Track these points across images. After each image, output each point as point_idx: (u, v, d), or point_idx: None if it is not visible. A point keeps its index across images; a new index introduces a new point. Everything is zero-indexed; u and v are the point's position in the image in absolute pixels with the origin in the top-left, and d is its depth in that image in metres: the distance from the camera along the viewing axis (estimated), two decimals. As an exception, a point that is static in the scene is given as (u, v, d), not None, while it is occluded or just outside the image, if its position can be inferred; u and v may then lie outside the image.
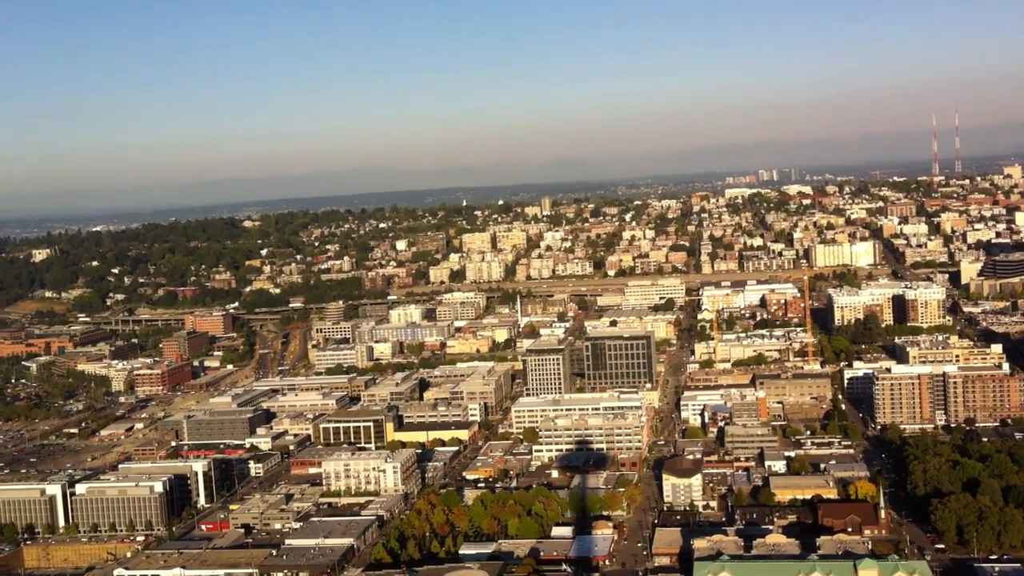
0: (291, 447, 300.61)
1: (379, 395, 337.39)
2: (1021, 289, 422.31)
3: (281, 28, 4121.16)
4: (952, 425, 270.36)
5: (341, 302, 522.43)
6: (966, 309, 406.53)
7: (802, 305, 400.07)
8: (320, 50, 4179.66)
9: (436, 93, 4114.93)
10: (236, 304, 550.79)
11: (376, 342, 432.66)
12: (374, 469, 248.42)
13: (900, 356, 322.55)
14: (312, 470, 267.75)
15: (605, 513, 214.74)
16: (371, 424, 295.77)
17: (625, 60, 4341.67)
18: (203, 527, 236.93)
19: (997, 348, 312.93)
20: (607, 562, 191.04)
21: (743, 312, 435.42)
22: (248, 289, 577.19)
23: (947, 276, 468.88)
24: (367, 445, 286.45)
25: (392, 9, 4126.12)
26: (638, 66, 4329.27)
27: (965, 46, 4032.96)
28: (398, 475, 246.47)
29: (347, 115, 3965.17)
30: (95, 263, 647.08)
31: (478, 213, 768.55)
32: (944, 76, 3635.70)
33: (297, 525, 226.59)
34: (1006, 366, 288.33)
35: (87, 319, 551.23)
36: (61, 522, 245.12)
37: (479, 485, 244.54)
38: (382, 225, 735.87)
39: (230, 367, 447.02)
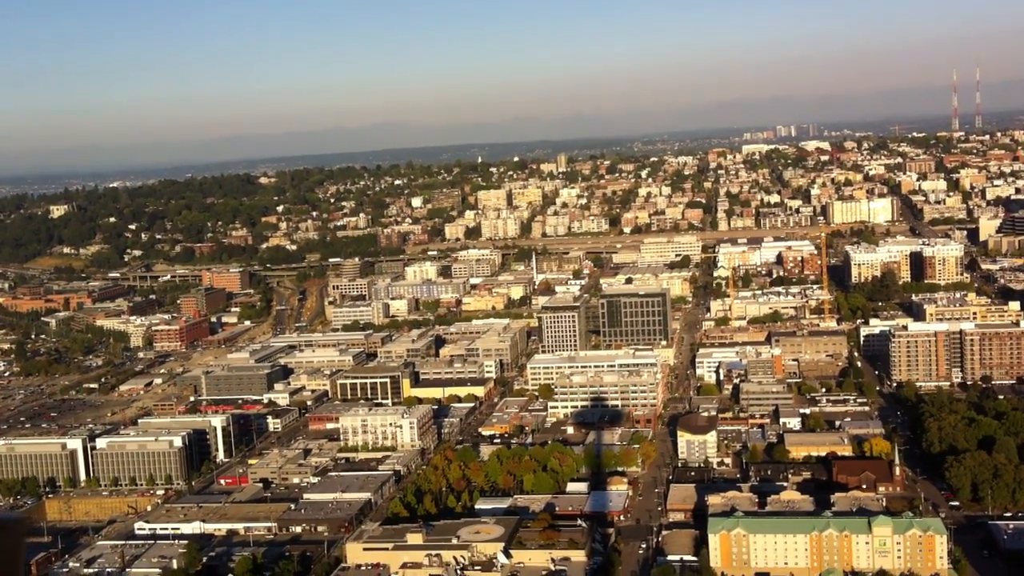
0: (308, 403, 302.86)
1: (395, 352, 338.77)
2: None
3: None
4: (968, 383, 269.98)
5: (357, 259, 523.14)
6: (984, 266, 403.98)
7: (819, 262, 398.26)
8: (337, 6, 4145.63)
9: (452, 50, 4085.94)
10: (254, 262, 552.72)
11: (392, 299, 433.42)
12: (391, 425, 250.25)
13: (917, 313, 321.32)
14: (329, 425, 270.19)
15: (620, 469, 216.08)
16: (388, 380, 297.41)
17: (642, 16, 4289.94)
18: (222, 481, 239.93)
19: (1015, 305, 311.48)
20: (622, 517, 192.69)
21: (759, 269, 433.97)
22: (264, 246, 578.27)
23: (965, 233, 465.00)
24: (384, 401, 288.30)
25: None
26: (655, 22, 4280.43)
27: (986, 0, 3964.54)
28: (415, 431, 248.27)
29: (364, 72, 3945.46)
30: (113, 219, 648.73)
31: (493, 170, 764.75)
32: (965, 30, 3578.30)
33: (315, 480, 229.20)
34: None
35: (105, 275, 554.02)
36: (82, 476, 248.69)
37: (495, 441, 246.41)
38: (398, 182, 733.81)
39: (247, 323, 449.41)
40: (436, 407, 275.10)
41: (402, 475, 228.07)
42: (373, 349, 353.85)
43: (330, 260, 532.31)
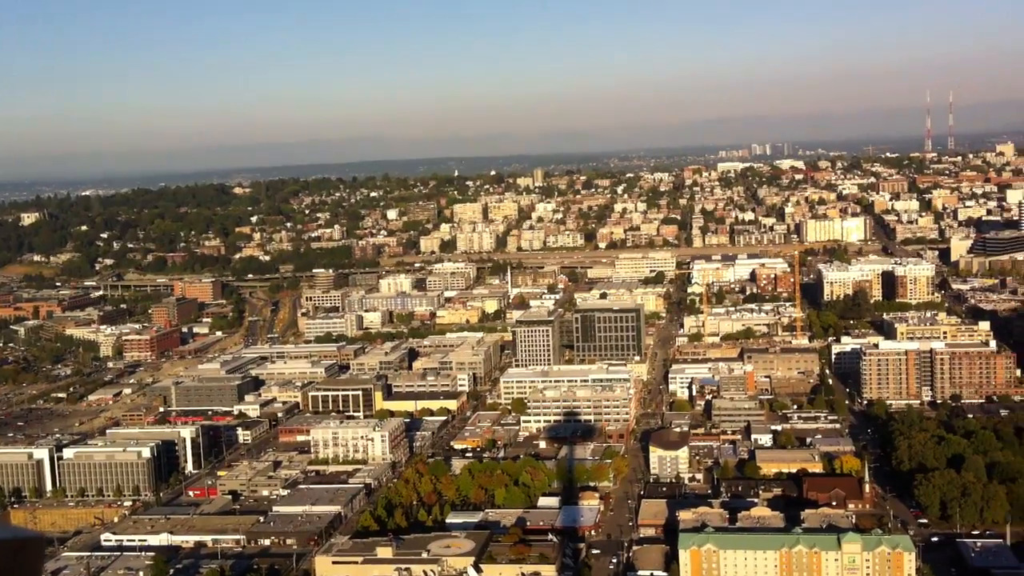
0: (279, 414, 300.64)
1: (368, 364, 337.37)
2: (1010, 267, 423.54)
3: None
4: (938, 401, 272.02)
5: (331, 270, 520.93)
6: (955, 286, 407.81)
7: (792, 280, 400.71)
8: (314, 18, 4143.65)
9: (430, 63, 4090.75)
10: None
11: (366, 311, 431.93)
12: (362, 437, 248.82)
13: (888, 332, 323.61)
14: (300, 438, 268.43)
15: (592, 484, 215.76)
16: (360, 393, 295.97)
17: (620, 33, 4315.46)
18: (190, 493, 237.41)
19: (985, 325, 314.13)
20: (593, 532, 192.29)
21: (733, 286, 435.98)
22: (238, 256, 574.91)
23: (937, 253, 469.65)
24: (355, 413, 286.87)
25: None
26: (633, 39, 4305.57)
27: (960, 24, 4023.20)
28: (386, 444, 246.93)
29: (341, 83, 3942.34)
30: (84, 227, 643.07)
31: (470, 183, 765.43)
32: (939, 53, 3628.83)
33: (284, 492, 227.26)
34: (993, 343, 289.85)
35: (77, 284, 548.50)
36: (48, 486, 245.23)
37: (467, 455, 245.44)
38: (373, 194, 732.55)
39: (219, 334, 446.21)
40: (408, 420, 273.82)
41: (373, 488, 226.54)
42: (345, 361, 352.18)
43: (304, 272, 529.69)
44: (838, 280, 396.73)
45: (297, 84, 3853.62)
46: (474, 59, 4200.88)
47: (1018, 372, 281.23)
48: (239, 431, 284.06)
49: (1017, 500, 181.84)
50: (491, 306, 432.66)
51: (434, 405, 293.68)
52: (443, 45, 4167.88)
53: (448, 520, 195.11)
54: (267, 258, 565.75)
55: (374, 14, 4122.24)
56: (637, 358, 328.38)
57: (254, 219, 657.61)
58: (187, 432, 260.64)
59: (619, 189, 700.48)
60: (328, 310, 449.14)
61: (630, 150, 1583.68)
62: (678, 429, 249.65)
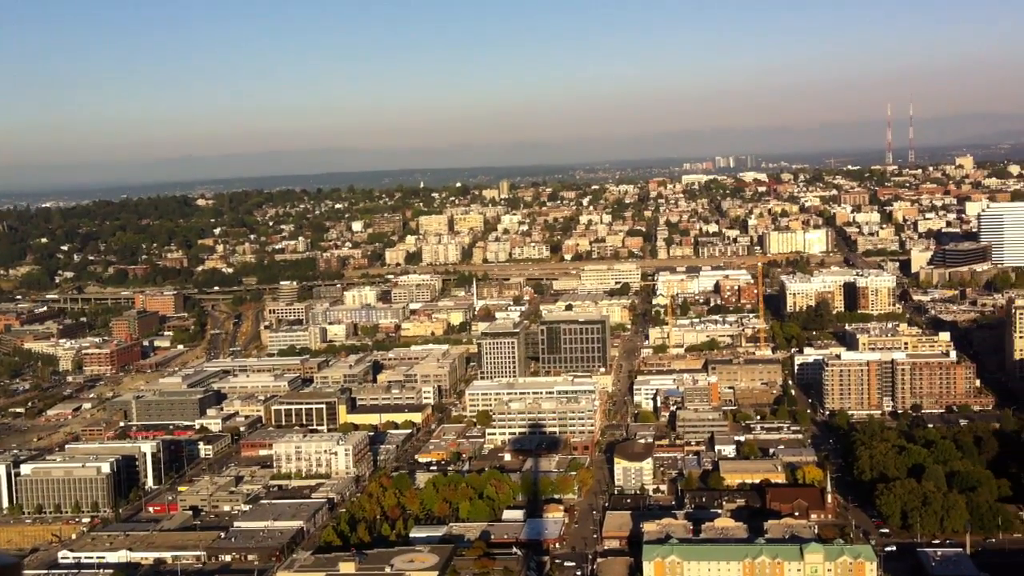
0: (242, 429, 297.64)
1: (332, 377, 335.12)
2: (970, 278, 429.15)
3: (239, 6, 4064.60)
4: (899, 411, 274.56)
5: (295, 283, 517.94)
6: (916, 297, 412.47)
7: (755, 291, 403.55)
8: (278, 29, 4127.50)
9: (395, 74, 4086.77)
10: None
11: (330, 324, 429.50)
12: (325, 452, 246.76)
13: (850, 343, 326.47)
14: (263, 452, 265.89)
15: (556, 496, 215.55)
16: (323, 406, 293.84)
17: (585, 46, 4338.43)
18: (151, 509, 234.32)
19: (945, 336, 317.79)
20: (557, 545, 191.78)
21: (697, 297, 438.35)
22: (200, 268, 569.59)
23: (898, 264, 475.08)
24: (319, 427, 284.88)
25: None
26: (598, 52, 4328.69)
27: (921, 38, 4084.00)
28: (349, 458, 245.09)
29: (306, 95, 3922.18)
30: (44, 240, 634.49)
31: (435, 195, 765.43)
32: (900, 67, 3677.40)
33: (246, 507, 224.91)
34: (953, 354, 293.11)
35: (37, 296, 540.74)
36: (5, 503, 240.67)
37: (431, 468, 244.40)
38: (338, 206, 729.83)
39: (181, 347, 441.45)
40: (372, 433, 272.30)
41: (336, 503, 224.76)
42: (309, 374, 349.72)
43: (268, 284, 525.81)
44: (801, 291, 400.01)
45: (261, 95, 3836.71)
46: (440, 71, 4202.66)
47: (977, 382, 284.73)
48: (200, 446, 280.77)
49: (976, 509, 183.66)
50: (456, 318, 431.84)
51: (399, 418, 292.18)
52: (408, 57, 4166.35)
53: (412, 534, 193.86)
54: (230, 270, 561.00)
55: (335, 27, 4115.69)
56: (602, 370, 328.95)
57: (217, 231, 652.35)
58: (147, 447, 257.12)
59: (585, 201, 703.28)
60: (292, 323, 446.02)
61: (596, 162, 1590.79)
62: (643, 440, 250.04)
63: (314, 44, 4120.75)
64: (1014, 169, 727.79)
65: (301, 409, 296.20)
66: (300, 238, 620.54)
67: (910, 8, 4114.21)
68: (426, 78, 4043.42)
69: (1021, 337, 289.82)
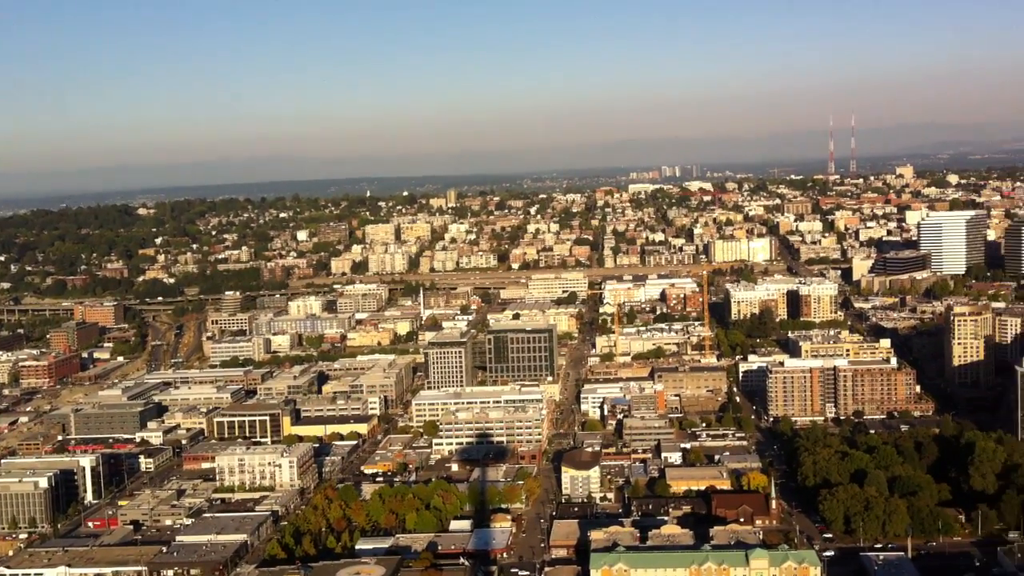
0: (184, 441, 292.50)
1: (276, 388, 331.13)
2: (909, 286, 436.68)
3: (186, 12, 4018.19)
4: (841, 417, 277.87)
5: (238, 293, 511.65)
6: (857, 305, 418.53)
7: (701, 299, 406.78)
8: (222, 36, 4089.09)
9: (341, 83, 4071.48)
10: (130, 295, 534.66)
11: (274, 334, 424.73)
12: (269, 464, 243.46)
13: (793, 350, 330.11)
14: (205, 465, 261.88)
15: (504, 506, 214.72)
16: (267, 418, 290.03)
17: (532, 56, 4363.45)
18: (90, 524, 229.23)
19: (886, 343, 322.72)
20: (505, 555, 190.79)
21: (644, 306, 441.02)
22: (141, 279, 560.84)
23: (839, 272, 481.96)
24: (263, 439, 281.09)
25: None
26: (545, 62, 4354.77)
27: (863, 50, 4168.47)
28: (294, 470, 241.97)
29: (249, 102, 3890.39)
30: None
31: (382, 204, 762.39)
32: (842, 79, 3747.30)
33: (188, 521, 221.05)
34: (894, 360, 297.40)
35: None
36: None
37: (377, 479, 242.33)
38: (283, 215, 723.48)
39: (121, 359, 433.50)
40: (317, 445, 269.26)
41: (280, 516, 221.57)
42: (252, 386, 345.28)
43: (210, 294, 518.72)
44: (745, 299, 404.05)
45: (205, 103, 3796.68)
46: (387, 80, 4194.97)
47: (917, 388, 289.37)
48: (141, 459, 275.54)
49: (917, 513, 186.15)
50: (403, 328, 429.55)
51: (344, 429, 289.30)
52: (352, 66, 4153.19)
53: (358, 546, 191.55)
54: (172, 281, 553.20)
55: (279, 36, 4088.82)
56: (550, 378, 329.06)
57: (159, 241, 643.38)
58: (86, 461, 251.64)
59: (532, 210, 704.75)
60: (235, 334, 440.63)
61: (543, 171, 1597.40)
62: (590, 449, 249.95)
63: (258, 53, 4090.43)
64: (952, 179, 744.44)
65: (244, 421, 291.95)
66: (244, 248, 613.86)
67: (853, 22, 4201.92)
68: (373, 87, 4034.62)
69: (959, 344, 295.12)
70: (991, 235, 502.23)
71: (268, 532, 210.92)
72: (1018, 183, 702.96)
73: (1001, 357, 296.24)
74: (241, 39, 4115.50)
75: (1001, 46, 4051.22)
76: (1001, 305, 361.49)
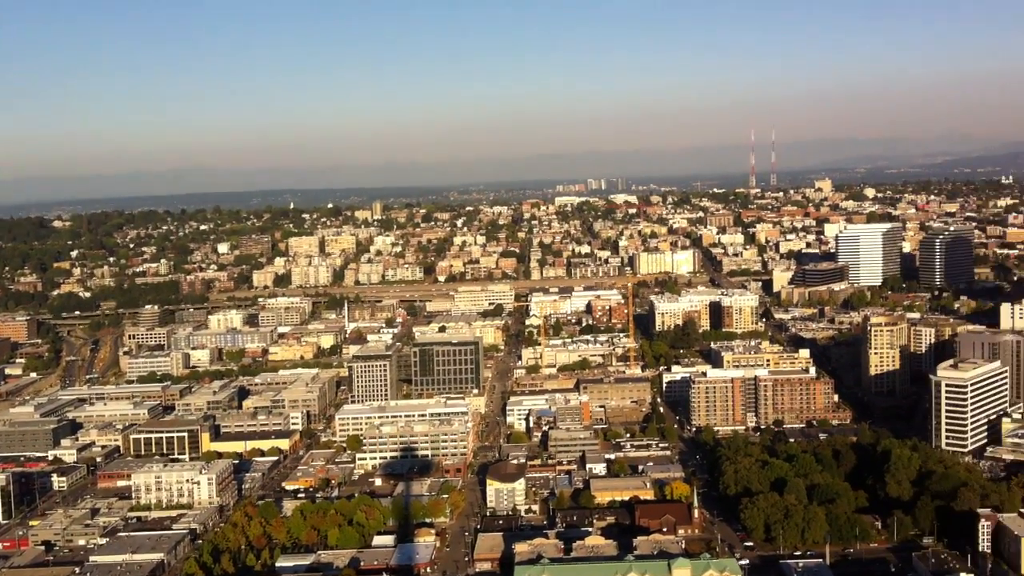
0: (98, 459, 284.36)
1: (195, 404, 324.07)
2: (828, 297, 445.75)
3: (100, 23, 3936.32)
4: (762, 427, 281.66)
5: (156, 307, 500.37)
6: (777, 316, 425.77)
7: (626, 311, 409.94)
8: (134, 48, 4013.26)
9: (262, 92, 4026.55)
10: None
11: (193, 349, 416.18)
12: (187, 481, 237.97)
13: (715, 360, 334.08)
14: (121, 483, 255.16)
15: (428, 520, 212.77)
16: (185, 434, 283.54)
17: (458, 67, 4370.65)
18: (0, 545, 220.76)
19: (805, 353, 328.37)
20: (429, 569, 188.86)
21: (570, 318, 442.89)
22: (56, 293, 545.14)
23: (760, 284, 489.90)
24: (181, 456, 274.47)
25: (220, 9, 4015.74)
26: (471, 74, 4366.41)
27: (783, 66, 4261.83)
28: (213, 487, 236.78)
29: (168, 113, 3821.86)
30: None
31: (306, 216, 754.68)
32: (763, 94, 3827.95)
33: (103, 541, 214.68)
34: (813, 370, 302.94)
35: None
36: None
37: (299, 495, 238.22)
38: (203, 227, 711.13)
39: (33, 375, 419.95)
40: (237, 461, 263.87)
41: (199, 534, 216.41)
42: (171, 402, 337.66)
43: (128, 308, 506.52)
44: (669, 311, 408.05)
45: (121, 113, 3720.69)
46: (312, 91, 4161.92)
47: (836, 397, 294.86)
48: (54, 477, 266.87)
49: (835, 521, 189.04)
50: (327, 341, 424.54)
51: (265, 445, 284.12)
52: (279, 76, 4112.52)
53: (278, 564, 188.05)
54: (87, 294, 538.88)
55: (202, 46, 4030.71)
56: (476, 391, 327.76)
57: (74, 254, 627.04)
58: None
59: (458, 222, 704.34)
60: (153, 348, 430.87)
61: (469, 183, 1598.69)
62: (515, 461, 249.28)
63: (181, 63, 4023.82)
64: (869, 192, 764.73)
65: (162, 438, 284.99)
66: (162, 260, 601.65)
67: (772, 38, 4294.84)
68: (297, 98, 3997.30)
69: (876, 353, 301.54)
70: (906, 247, 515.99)
71: (186, 551, 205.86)
72: (932, 197, 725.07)
73: (916, 366, 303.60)
74: (161, 49, 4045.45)
75: (914, 64, 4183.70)
76: (916, 316, 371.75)
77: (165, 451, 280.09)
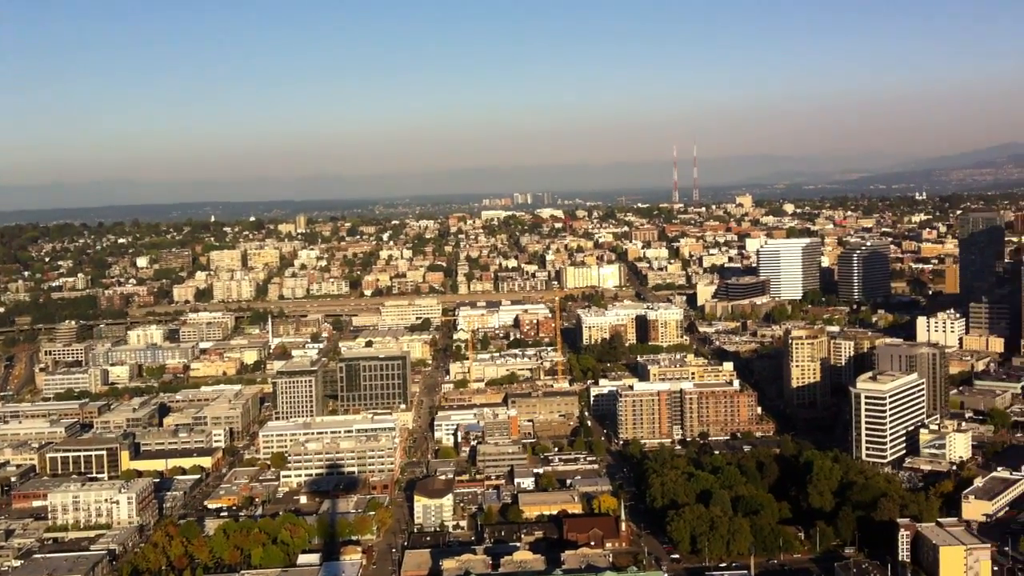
0: (13, 479, 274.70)
1: (114, 421, 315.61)
2: (750, 310, 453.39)
3: (18, 29, 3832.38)
4: (688, 439, 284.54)
5: (73, 322, 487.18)
6: (701, 329, 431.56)
7: (553, 325, 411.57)
8: (54, 54, 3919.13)
9: (180, 102, 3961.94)
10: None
11: (112, 365, 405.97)
12: (106, 500, 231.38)
13: (642, 374, 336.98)
14: (36, 503, 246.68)
15: (355, 538, 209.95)
16: (104, 452, 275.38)
17: (383, 80, 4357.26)
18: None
19: (728, 366, 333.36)
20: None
21: (497, 332, 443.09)
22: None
23: (685, 298, 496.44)
24: (99, 475, 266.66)
25: (130, 18, 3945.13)
26: (396, 88, 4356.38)
27: (705, 83, 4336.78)
28: (133, 506, 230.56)
29: (87, 123, 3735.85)
30: None
31: (228, 229, 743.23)
32: (684, 110, 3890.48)
33: (17, 563, 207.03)
34: (736, 383, 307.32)
35: None
36: None
37: (222, 514, 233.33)
38: (122, 240, 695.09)
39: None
40: (158, 480, 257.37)
41: (118, 554, 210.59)
42: (89, 419, 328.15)
43: (44, 323, 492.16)
44: (596, 325, 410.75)
45: (36, 124, 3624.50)
46: (233, 103, 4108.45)
47: (759, 410, 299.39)
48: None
49: (760, 532, 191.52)
50: (250, 357, 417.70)
51: (187, 463, 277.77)
52: (200, 88, 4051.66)
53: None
54: (1, 309, 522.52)
55: (115, 54, 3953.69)
56: (403, 406, 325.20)
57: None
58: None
59: (385, 236, 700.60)
60: (70, 365, 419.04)
61: (395, 197, 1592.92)
62: (443, 477, 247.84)
63: (99, 73, 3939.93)
64: (789, 208, 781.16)
65: (79, 456, 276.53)
66: (80, 275, 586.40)
67: (693, 55, 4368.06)
68: (219, 109, 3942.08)
69: (797, 366, 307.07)
70: (825, 262, 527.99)
71: (104, 572, 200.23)
72: (849, 212, 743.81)
73: (836, 379, 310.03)
74: (74, 59, 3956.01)
75: (828, 83, 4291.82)
76: (835, 329, 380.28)
77: (83, 470, 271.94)
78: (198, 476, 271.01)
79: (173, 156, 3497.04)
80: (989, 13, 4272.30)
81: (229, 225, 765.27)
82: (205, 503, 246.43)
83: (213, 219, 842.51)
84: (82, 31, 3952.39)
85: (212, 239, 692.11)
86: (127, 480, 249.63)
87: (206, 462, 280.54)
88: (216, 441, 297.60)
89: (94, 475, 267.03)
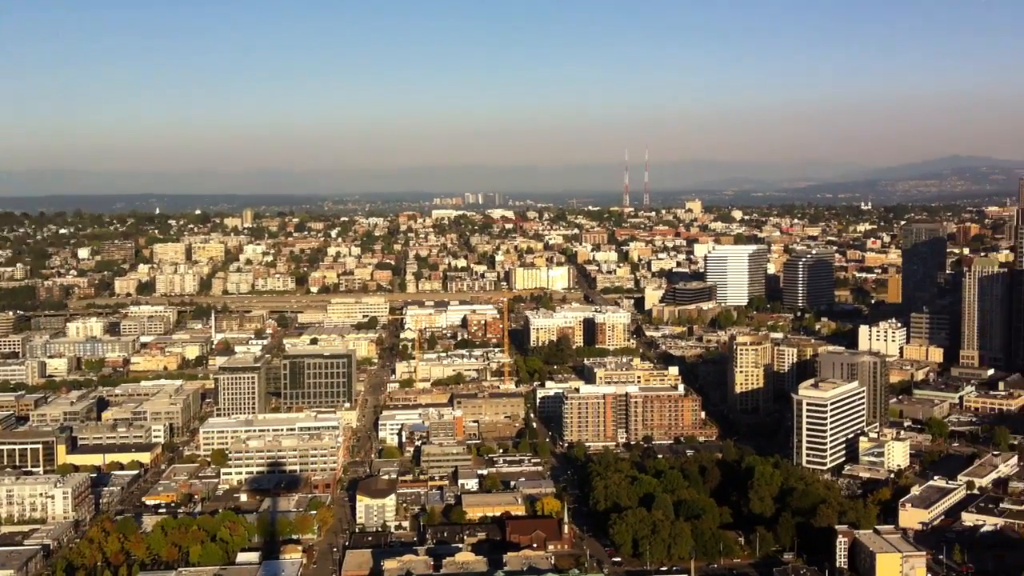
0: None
1: (50, 415, 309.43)
2: (697, 315, 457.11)
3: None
4: (632, 442, 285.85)
5: (11, 313, 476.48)
6: (648, 333, 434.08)
7: (501, 326, 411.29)
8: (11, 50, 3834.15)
9: (125, 92, 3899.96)
10: None
11: (50, 357, 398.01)
12: (41, 495, 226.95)
13: (588, 377, 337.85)
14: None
15: (295, 537, 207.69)
16: (40, 446, 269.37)
17: (334, 75, 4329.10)
18: None
19: (674, 370, 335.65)
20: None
21: (445, 332, 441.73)
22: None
23: (633, 302, 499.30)
24: (35, 469, 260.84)
25: (77, 8, 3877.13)
26: (348, 84, 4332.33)
27: (656, 88, 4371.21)
28: (68, 501, 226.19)
29: (25, 110, 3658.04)
30: None
31: (172, 222, 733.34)
32: (636, 114, 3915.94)
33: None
34: (681, 387, 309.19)
35: None
36: None
37: (160, 511, 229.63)
38: (63, 231, 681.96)
39: None
40: (95, 475, 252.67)
41: (52, 550, 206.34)
42: (25, 412, 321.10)
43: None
44: (544, 327, 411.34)
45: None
46: (182, 93, 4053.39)
47: (703, 414, 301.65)
48: None
49: (701, 536, 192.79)
50: (192, 352, 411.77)
51: (125, 458, 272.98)
52: (148, 78, 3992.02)
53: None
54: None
55: (59, 43, 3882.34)
56: (347, 405, 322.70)
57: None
58: None
59: (333, 233, 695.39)
60: (6, 356, 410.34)
61: (345, 193, 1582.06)
62: (386, 477, 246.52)
63: (40, 62, 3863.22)
64: (737, 214, 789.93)
65: (15, 449, 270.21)
66: (18, 265, 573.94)
67: (647, 59, 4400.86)
68: (165, 100, 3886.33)
69: (741, 372, 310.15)
70: (771, 268, 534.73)
71: (38, 568, 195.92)
72: (796, 220, 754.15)
73: (779, 385, 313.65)
74: (21, 48, 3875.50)
75: (776, 91, 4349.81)
76: (779, 335, 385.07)
77: (18, 463, 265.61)
78: (136, 472, 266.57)
79: (117, 147, 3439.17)
80: (936, 29, 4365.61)
81: (174, 218, 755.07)
82: (143, 499, 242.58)
83: (158, 211, 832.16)
84: (18, 20, 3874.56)
85: (156, 232, 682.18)
86: (63, 474, 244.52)
87: (145, 458, 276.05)
88: (155, 437, 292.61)
89: (29, 469, 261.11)
